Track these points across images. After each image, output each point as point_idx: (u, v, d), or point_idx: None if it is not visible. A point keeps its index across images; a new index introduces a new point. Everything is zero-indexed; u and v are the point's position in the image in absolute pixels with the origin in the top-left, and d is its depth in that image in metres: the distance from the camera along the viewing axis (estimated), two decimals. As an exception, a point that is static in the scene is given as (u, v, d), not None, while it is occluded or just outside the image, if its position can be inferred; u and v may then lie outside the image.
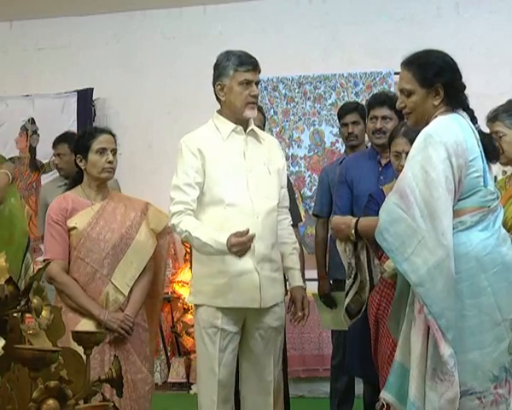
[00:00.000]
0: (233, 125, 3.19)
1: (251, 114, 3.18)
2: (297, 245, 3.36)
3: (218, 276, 3.09)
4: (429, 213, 2.42)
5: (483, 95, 5.36)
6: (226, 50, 3.22)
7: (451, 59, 2.66)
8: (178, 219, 3.08)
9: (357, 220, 2.84)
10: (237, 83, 3.13)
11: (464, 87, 2.66)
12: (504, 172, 3.55)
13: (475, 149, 2.55)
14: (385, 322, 3.27)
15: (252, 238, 2.91)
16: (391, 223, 2.49)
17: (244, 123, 3.21)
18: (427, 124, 2.59)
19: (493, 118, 3.24)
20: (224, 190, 3.12)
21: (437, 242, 2.40)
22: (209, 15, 6.50)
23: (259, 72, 3.21)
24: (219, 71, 3.18)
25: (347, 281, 2.96)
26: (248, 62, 3.15)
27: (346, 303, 3.00)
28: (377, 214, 3.25)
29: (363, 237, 2.85)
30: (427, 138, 2.49)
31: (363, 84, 6.08)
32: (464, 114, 2.62)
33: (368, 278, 2.90)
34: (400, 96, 2.68)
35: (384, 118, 3.82)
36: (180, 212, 3.09)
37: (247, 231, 2.91)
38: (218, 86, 3.19)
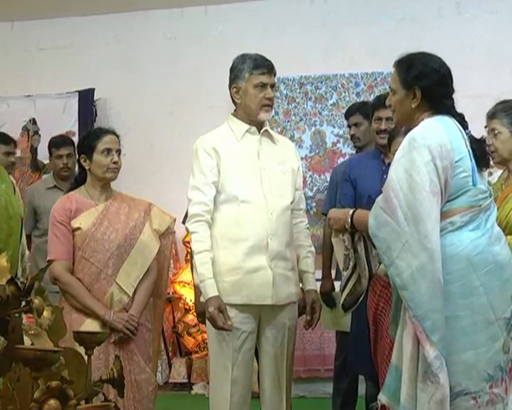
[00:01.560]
0: (247, 126, 3.23)
1: (265, 116, 3.23)
2: (312, 249, 3.37)
3: (231, 273, 3.11)
4: (413, 217, 2.43)
5: (484, 95, 5.38)
6: (242, 53, 3.26)
7: (439, 64, 2.64)
8: (195, 227, 3.12)
9: (354, 212, 2.84)
10: (252, 86, 3.17)
11: (449, 94, 2.66)
12: (490, 174, 3.55)
13: (462, 149, 2.55)
14: (383, 323, 3.28)
15: (227, 329, 3.00)
16: (378, 228, 2.52)
17: (258, 125, 3.25)
18: (413, 125, 2.60)
19: (492, 115, 3.25)
20: (238, 187, 3.15)
21: (420, 245, 2.41)
22: (210, 16, 6.50)
23: (275, 74, 3.25)
24: (235, 74, 3.22)
25: (344, 273, 2.94)
26: (264, 65, 3.19)
27: (343, 297, 2.98)
28: None
29: (359, 229, 2.86)
30: (411, 142, 2.51)
31: (365, 84, 6.08)
32: (452, 118, 2.62)
33: (366, 268, 2.89)
34: (389, 94, 2.74)
35: (389, 119, 3.84)
36: (198, 218, 3.11)
37: (231, 325, 3.00)
38: (234, 89, 3.23)
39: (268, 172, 3.20)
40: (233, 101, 3.28)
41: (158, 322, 3.62)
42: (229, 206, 3.15)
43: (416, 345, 2.47)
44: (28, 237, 5.16)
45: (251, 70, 3.17)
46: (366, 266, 2.89)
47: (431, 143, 2.48)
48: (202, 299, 3.17)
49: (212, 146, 3.18)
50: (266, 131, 3.28)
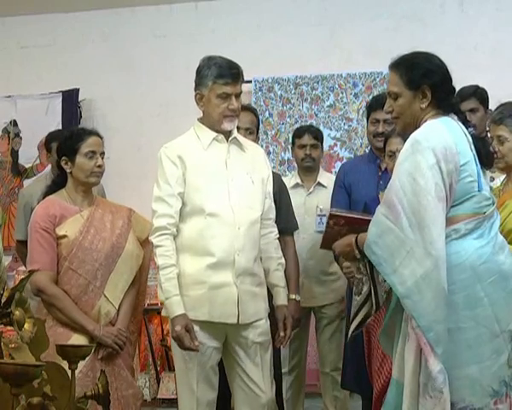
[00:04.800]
0: (214, 134, 3.21)
1: (229, 126, 3.20)
2: (282, 260, 3.35)
3: (193, 287, 3.11)
4: (417, 223, 2.43)
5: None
6: (209, 56, 3.22)
7: (440, 61, 2.67)
8: (159, 240, 3.12)
9: (356, 238, 2.74)
10: (215, 95, 3.15)
11: (454, 90, 2.67)
12: (492, 179, 3.55)
13: (467, 152, 2.56)
14: (375, 333, 3.28)
15: (194, 350, 3.02)
16: (379, 235, 2.50)
17: (226, 132, 3.22)
18: (417, 128, 2.60)
19: (498, 121, 3.24)
20: (205, 200, 3.13)
21: (425, 252, 2.41)
22: (201, 12, 6.51)
23: (242, 81, 3.21)
24: (199, 79, 3.20)
25: (356, 298, 2.83)
26: (228, 74, 3.14)
27: (354, 325, 2.84)
28: None
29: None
30: (414, 144, 2.51)
31: (363, 84, 6.09)
32: (455, 117, 2.63)
33: (374, 299, 2.76)
34: (388, 100, 2.71)
35: (386, 121, 3.83)
36: (163, 231, 3.11)
37: (198, 345, 3.02)
38: (198, 95, 3.21)
39: (236, 182, 3.18)
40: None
41: (135, 334, 3.59)
42: (196, 218, 3.14)
43: (419, 358, 2.47)
44: (23, 244, 5.10)
45: (214, 79, 3.13)
46: (373, 297, 2.77)
47: (435, 146, 2.48)
48: (164, 313, 3.16)
49: (177, 154, 3.17)
50: (235, 138, 3.25)
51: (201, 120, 3.26)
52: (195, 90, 3.22)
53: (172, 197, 3.13)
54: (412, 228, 2.43)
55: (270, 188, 3.35)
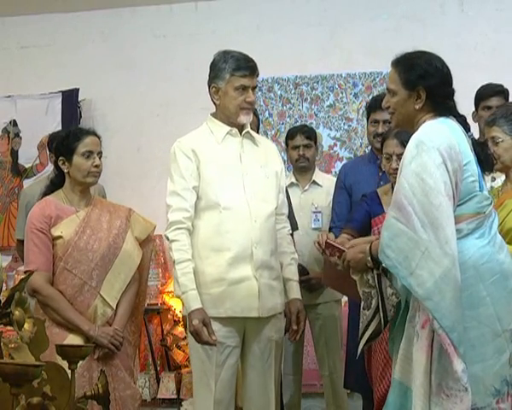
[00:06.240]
0: (228, 128, 3.22)
1: (246, 119, 3.21)
2: (295, 255, 3.37)
3: (214, 285, 3.10)
4: (430, 223, 2.41)
5: (488, 96, 5.39)
6: (224, 50, 3.23)
7: (441, 64, 2.66)
8: (175, 235, 3.11)
9: (371, 246, 2.69)
10: (233, 88, 3.15)
11: (452, 95, 2.67)
12: (493, 179, 3.56)
13: (468, 152, 2.57)
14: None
15: (212, 344, 3.00)
16: (392, 238, 2.48)
17: (239, 126, 3.24)
18: (413, 128, 2.61)
19: (491, 122, 3.25)
20: (220, 193, 3.14)
21: (441, 251, 2.39)
22: (201, 12, 6.51)
23: (257, 75, 3.23)
24: (215, 72, 3.20)
25: (366, 312, 2.75)
26: (246, 67, 3.16)
27: (364, 341, 2.76)
28: (364, 214, 3.25)
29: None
30: (418, 145, 2.50)
31: (363, 84, 6.09)
32: (454, 119, 2.63)
33: (382, 314, 2.69)
34: (386, 95, 2.73)
35: (386, 122, 3.83)
36: (178, 226, 3.10)
37: (216, 340, 3.00)
38: (213, 89, 3.21)
39: (251, 176, 3.19)
40: (212, 100, 3.26)
41: (136, 335, 3.59)
42: (211, 213, 3.14)
43: (430, 358, 2.45)
44: (23, 243, 5.09)
45: (232, 71, 3.14)
46: (381, 311, 2.70)
47: (440, 145, 2.48)
48: (184, 312, 3.15)
49: (191, 148, 3.17)
50: (248, 132, 3.27)
51: (214, 115, 3.27)
52: (210, 84, 3.22)
53: (187, 191, 3.13)
54: (425, 228, 2.41)
55: (283, 182, 3.38)
